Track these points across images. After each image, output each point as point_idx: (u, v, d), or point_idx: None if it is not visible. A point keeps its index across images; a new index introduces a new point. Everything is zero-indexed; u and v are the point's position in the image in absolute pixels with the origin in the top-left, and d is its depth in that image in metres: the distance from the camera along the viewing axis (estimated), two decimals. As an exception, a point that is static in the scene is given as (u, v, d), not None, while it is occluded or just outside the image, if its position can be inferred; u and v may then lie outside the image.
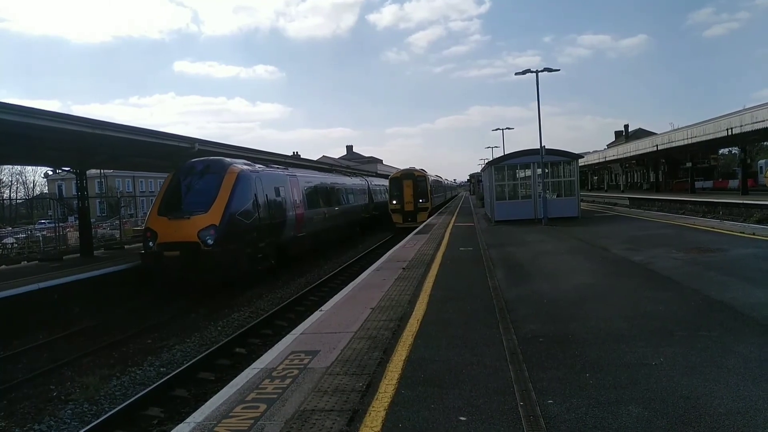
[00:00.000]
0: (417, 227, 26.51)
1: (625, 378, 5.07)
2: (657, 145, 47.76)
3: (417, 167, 38.93)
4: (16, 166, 72.65)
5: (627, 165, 71.49)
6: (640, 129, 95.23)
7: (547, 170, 24.72)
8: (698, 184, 48.36)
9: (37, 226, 42.12)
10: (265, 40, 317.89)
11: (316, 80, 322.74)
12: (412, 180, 35.83)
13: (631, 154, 57.80)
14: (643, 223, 21.10)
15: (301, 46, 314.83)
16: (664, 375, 5.09)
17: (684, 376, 5.04)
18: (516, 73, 25.09)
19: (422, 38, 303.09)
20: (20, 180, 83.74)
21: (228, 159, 18.60)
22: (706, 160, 54.89)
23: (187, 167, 17.57)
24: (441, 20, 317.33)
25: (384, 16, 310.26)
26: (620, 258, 12.67)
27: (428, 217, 33.13)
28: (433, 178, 44.08)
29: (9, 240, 29.21)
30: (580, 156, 29.28)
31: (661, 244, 14.26)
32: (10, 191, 78.82)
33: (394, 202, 35.68)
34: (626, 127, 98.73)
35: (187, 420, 4.72)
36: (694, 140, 39.35)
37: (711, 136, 36.27)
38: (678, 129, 46.27)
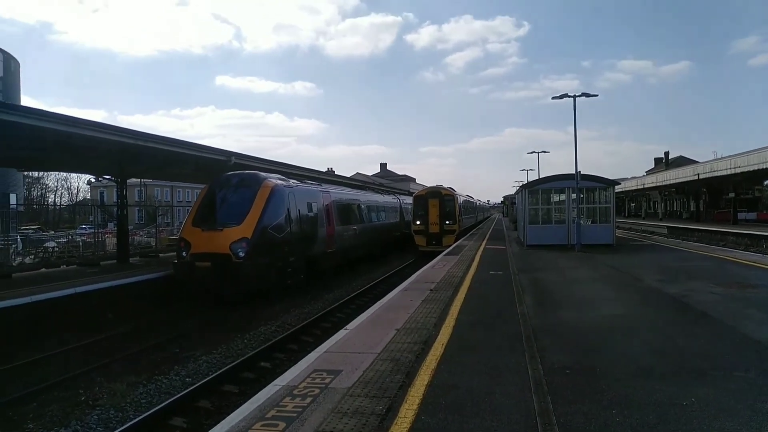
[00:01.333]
0: (442, 251, 24.55)
1: (653, 417, 4.90)
2: (698, 174, 46.66)
3: (445, 185, 35.76)
4: (62, 173, 75.33)
5: (666, 193, 69.94)
6: (680, 156, 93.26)
7: (582, 195, 24.35)
8: (741, 216, 46.91)
9: (78, 231, 43.49)
10: (304, 58, 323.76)
11: (353, 98, 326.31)
12: (439, 199, 32.60)
13: (671, 182, 56.58)
14: (680, 254, 20.52)
15: (340, 64, 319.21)
16: (694, 416, 4.90)
17: (716, 419, 4.84)
18: (553, 97, 24.89)
19: (459, 59, 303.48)
20: (65, 186, 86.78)
21: (263, 173, 18.90)
22: (750, 191, 53.29)
23: (222, 180, 17.92)
24: (479, 42, 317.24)
25: (422, 37, 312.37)
26: (654, 289, 12.32)
27: (455, 241, 30.51)
28: (462, 197, 41.23)
29: (50, 244, 30.15)
30: (617, 182, 28.70)
31: (698, 277, 13.83)
32: (55, 196, 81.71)
33: (418, 222, 32.59)
34: (666, 154, 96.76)
35: (207, 434, 4.75)
36: (738, 170, 38.34)
37: (755, 167, 35.29)
38: (721, 158, 45.17)
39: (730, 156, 41.71)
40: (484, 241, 29.68)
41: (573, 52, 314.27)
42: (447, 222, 32.28)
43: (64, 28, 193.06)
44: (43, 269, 20.55)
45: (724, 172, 40.98)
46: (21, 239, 29.75)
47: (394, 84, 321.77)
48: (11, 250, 23.53)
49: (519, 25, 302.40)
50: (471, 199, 56.18)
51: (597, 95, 24.91)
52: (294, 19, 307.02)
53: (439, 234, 31.97)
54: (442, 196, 32.84)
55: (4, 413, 8.82)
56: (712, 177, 44.04)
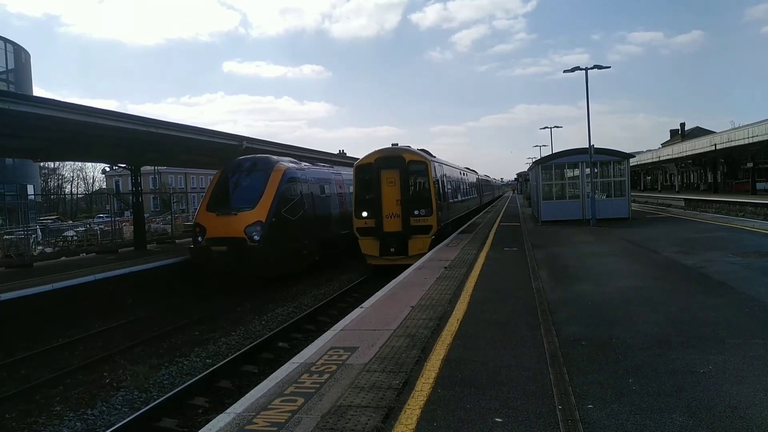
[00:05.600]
0: (410, 264, 14.00)
1: (670, 385, 4.90)
2: (715, 145, 45.88)
3: (413, 146, 20.45)
4: (77, 163, 76.01)
5: (683, 165, 68.90)
6: (697, 127, 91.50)
7: (596, 170, 24.09)
8: (760, 186, 46.14)
9: (95, 220, 44.03)
10: (311, 41, 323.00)
11: (362, 80, 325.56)
12: (399, 170, 18.13)
13: (687, 153, 55.74)
14: (698, 226, 20.29)
15: (347, 46, 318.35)
16: (712, 383, 4.90)
17: (733, 385, 4.83)
18: (564, 71, 24.50)
19: (466, 37, 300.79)
20: (81, 176, 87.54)
21: (274, 157, 18.95)
22: (769, 160, 52.29)
23: (234, 164, 18.00)
24: (485, 19, 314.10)
25: (427, 16, 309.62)
26: (671, 261, 12.23)
27: (430, 248, 17.24)
28: (448, 167, 24.50)
29: (70, 233, 30.58)
30: (631, 155, 28.34)
31: (716, 248, 13.69)
32: (71, 186, 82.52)
33: (364, 214, 18.20)
34: (682, 125, 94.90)
35: (228, 410, 4.84)
36: (756, 139, 37.62)
37: (774, 135, 34.56)
38: (738, 128, 44.33)
39: (747, 125, 40.92)
40: (498, 219, 29.59)
41: (582, 26, 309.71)
42: (416, 212, 18.08)
43: (71, 20, 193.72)
44: (63, 258, 20.90)
45: (741, 142, 40.23)
46: (40, 229, 30.20)
47: (402, 64, 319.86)
48: (31, 240, 23.91)
49: (526, 0, 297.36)
50: (473, 173, 40.45)
51: (609, 67, 24.48)
52: (299, 3, 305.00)
53: (402, 234, 17.96)
54: (405, 165, 18.31)
55: (32, 397, 9.06)
56: (729, 147, 43.27)
